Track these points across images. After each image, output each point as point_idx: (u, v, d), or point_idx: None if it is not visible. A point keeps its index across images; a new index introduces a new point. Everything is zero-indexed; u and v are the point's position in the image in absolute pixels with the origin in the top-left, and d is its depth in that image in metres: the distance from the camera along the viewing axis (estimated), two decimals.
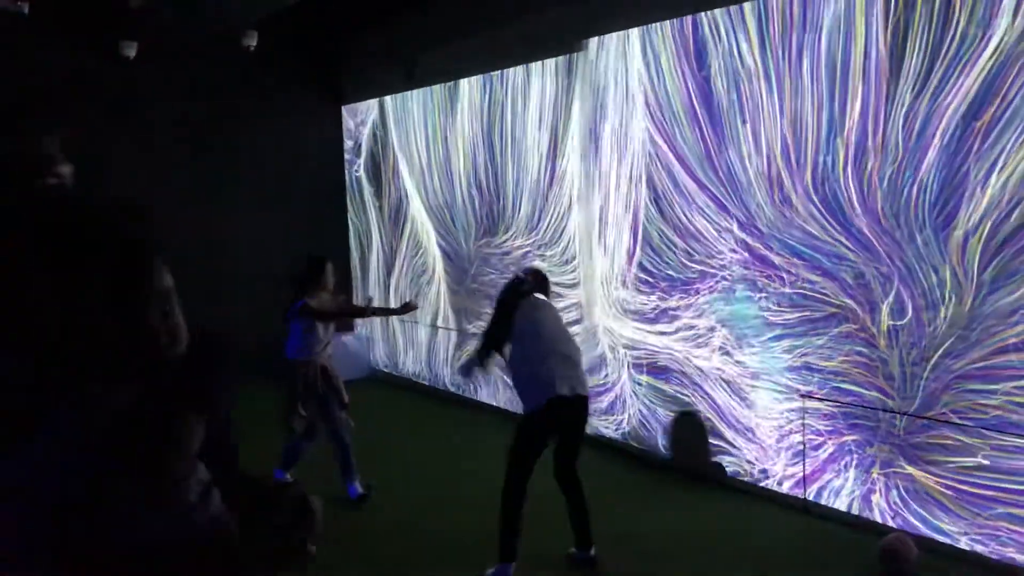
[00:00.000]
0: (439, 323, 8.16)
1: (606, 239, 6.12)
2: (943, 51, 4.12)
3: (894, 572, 4.11)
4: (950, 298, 4.21)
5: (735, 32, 5.05)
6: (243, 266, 8.48)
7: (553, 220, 6.67)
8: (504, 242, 7.19)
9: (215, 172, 8.75)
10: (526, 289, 4.59)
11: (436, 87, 7.87)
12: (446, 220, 7.93)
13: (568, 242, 6.55)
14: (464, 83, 7.52)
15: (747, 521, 4.99)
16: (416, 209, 8.35)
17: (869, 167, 4.45)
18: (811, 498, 4.95)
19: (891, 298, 4.44)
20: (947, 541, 4.34)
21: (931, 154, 4.20)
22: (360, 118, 9.17)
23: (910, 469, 4.46)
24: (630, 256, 5.92)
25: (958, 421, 4.23)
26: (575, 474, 4.48)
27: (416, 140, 8.25)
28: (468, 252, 7.65)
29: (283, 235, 8.80)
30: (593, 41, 6.10)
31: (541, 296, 4.62)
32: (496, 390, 7.42)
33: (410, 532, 5.00)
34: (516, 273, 4.89)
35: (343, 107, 9.43)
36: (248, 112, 8.90)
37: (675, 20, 5.43)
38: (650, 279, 5.78)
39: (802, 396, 4.92)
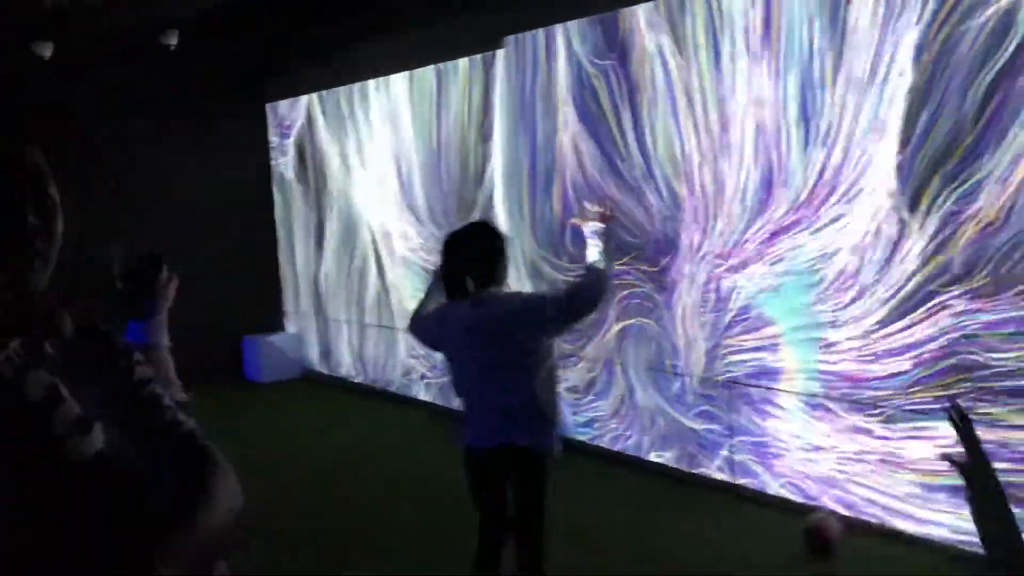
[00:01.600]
0: (374, 321, 8.14)
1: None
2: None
3: (821, 550, 4.28)
4: None
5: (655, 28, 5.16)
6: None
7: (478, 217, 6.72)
8: (432, 240, 7.21)
9: (136, 173, 8.57)
10: (452, 283, 3.25)
11: (366, 83, 7.84)
12: (379, 218, 7.91)
13: None
14: (391, 79, 7.51)
15: None
16: (347, 208, 8.31)
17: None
18: None
19: None
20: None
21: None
22: (287, 117, 9.08)
23: None
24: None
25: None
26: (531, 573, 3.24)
27: (345, 138, 8.21)
28: (401, 251, 7.65)
29: (207, 237, 8.67)
30: (513, 39, 6.16)
31: (491, 289, 3.20)
32: (431, 387, 7.45)
33: (341, 526, 5.03)
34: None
35: (267, 105, 9.31)
36: (170, 112, 8.74)
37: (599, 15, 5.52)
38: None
39: None
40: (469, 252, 3.23)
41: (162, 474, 1.29)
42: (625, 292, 5.53)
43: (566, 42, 5.75)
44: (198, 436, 1.35)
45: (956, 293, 4.04)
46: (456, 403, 3.54)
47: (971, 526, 1.52)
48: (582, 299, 3.15)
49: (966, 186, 3.96)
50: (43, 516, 1.19)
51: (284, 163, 9.21)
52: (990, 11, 3.81)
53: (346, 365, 8.60)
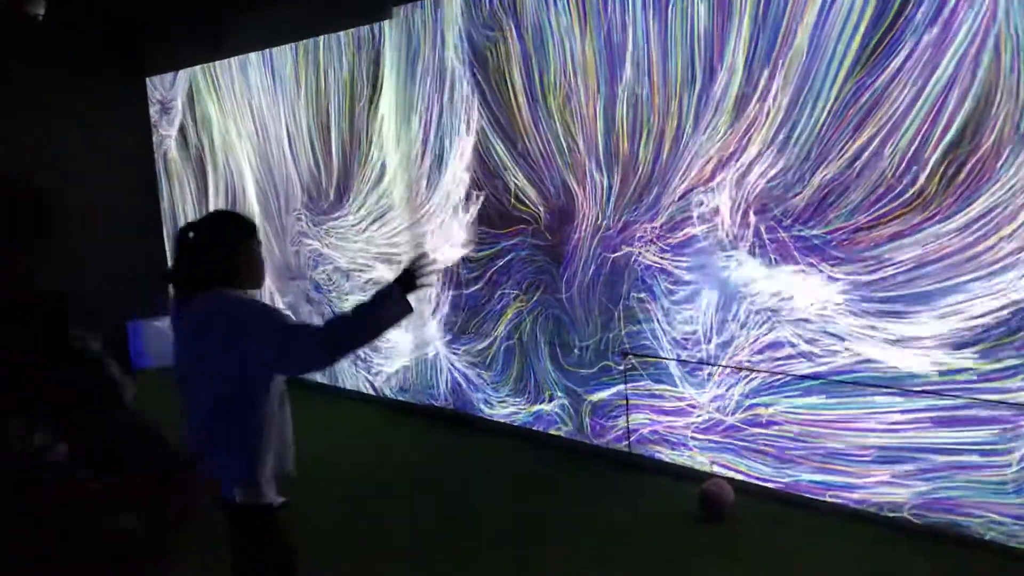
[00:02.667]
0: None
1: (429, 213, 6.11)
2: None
3: (716, 515, 4.39)
4: None
5: None
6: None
7: (367, 195, 6.60)
8: (325, 219, 7.03)
9: (5, 154, 8.10)
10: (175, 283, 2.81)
11: (251, 55, 7.56)
12: (269, 195, 7.68)
13: (383, 217, 6.50)
14: (277, 51, 7.26)
15: None
16: (234, 184, 8.04)
17: None
18: None
19: None
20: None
21: None
22: (167, 90, 8.70)
23: None
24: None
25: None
26: None
27: (230, 113, 7.92)
28: (291, 228, 7.45)
29: (86, 220, 8.27)
30: (402, 8, 6.02)
31: (209, 293, 2.69)
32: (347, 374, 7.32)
33: None
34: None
35: (148, 79, 8.91)
36: (40, 87, 8.27)
37: None
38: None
39: None
40: (196, 245, 2.73)
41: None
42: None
43: (457, 12, 5.65)
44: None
45: None
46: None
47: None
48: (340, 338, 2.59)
49: None
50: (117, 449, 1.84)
51: (168, 140, 8.84)
52: None
53: None
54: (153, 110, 8.93)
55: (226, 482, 2.66)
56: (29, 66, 8.19)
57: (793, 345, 4.36)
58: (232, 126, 7.90)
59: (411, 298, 2.67)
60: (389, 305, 2.63)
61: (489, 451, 5.62)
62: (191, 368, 2.73)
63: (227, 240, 2.71)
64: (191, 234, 2.73)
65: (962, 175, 3.74)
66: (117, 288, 8.36)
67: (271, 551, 2.72)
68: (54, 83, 8.35)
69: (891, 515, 4.14)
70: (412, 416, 6.47)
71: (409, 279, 2.68)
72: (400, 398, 6.68)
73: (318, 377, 7.27)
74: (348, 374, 7.14)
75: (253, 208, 7.81)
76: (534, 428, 5.68)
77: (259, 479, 2.66)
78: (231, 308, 2.63)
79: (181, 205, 8.79)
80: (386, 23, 6.18)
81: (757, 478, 4.62)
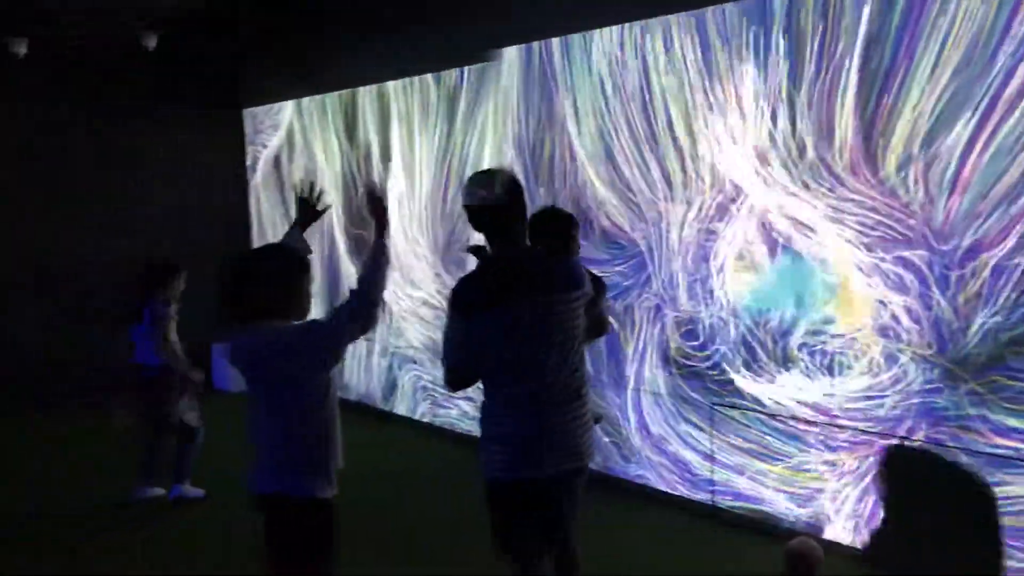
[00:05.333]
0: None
1: None
2: None
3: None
4: None
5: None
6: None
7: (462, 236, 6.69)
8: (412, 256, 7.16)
9: (111, 175, 8.46)
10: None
11: (344, 92, 7.78)
12: (357, 228, 7.85)
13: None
14: (373, 89, 7.46)
15: None
16: (324, 218, 8.21)
17: None
18: None
19: None
20: None
21: None
22: (264, 123, 8.99)
23: None
24: None
25: None
26: None
27: (322, 146, 8.13)
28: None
29: (179, 242, 8.56)
30: (506, 51, 6.14)
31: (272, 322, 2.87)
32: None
33: None
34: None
35: (245, 111, 9.22)
36: (147, 114, 8.65)
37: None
38: None
39: None
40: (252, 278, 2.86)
41: None
42: None
43: (562, 53, 5.75)
44: None
45: None
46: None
47: None
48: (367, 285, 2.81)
49: None
50: None
51: (261, 169, 9.11)
52: None
53: None
54: (247, 139, 9.24)
55: (289, 481, 2.80)
56: (138, 93, 8.57)
57: None
58: (325, 159, 8.11)
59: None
60: (375, 255, 2.84)
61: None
62: (257, 391, 2.85)
63: (283, 275, 2.85)
64: (245, 265, 2.87)
65: None
66: (203, 309, 8.60)
67: (322, 543, 2.86)
68: (159, 110, 8.72)
69: None
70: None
71: (381, 223, 2.92)
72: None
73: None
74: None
75: (345, 241, 7.98)
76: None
77: (327, 475, 2.84)
78: (281, 337, 2.76)
79: (272, 230, 9.02)
80: (493, 63, 6.28)
81: None
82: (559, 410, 2.99)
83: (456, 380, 3.04)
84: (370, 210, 2.93)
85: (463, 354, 2.97)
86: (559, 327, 2.98)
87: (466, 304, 2.95)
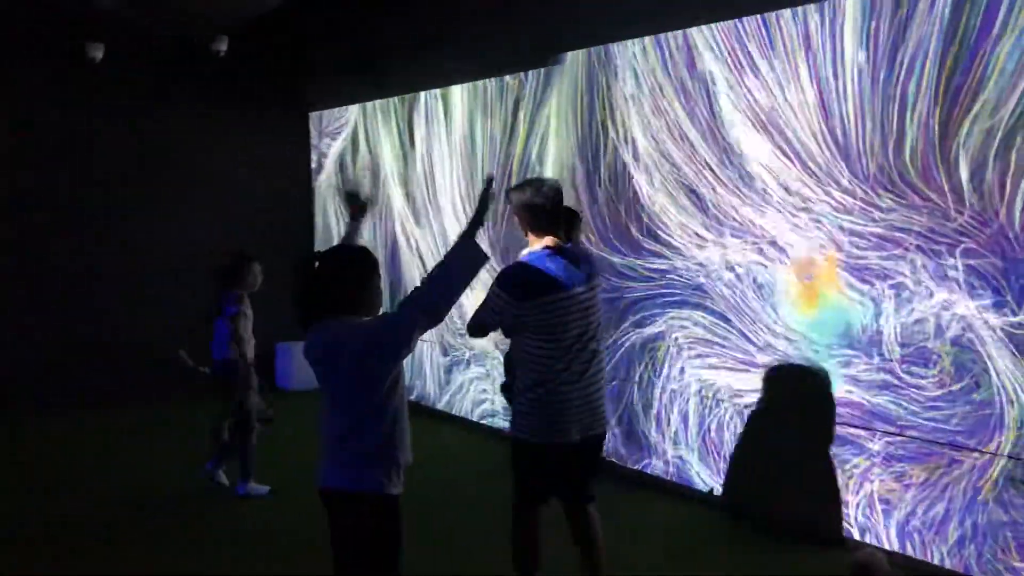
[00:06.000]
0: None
1: None
2: None
3: None
4: None
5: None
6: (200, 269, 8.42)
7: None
8: None
9: (179, 175, 8.67)
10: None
11: (407, 96, 7.87)
12: (417, 231, 7.92)
13: None
14: (438, 93, 7.53)
15: None
16: (384, 219, 8.33)
17: None
18: None
19: None
20: None
21: None
22: (328, 126, 9.13)
23: None
24: None
25: None
26: None
27: (385, 149, 8.23)
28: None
29: (245, 241, 8.71)
30: (571, 54, 6.15)
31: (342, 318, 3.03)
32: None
33: None
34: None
35: (311, 114, 9.38)
36: (216, 116, 8.84)
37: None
38: None
39: None
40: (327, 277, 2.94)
41: None
42: None
43: (624, 58, 5.74)
44: None
45: None
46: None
47: None
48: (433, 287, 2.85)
49: None
50: None
51: (325, 171, 9.26)
52: None
53: None
54: (313, 143, 9.40)
55: (359, 476, 2.84)
56: (209, 96, 8.77)
57: None
58: (386, 162, 8.20)
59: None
60: (460, 252, 2.87)
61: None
62: (328, 386, 2.91)
63: (359, 275, 2.94)
64: (320, 265, 2.93)
65: None
66: (267, 309, 8.75)
67: (390, 540, 2.91)
68: (228, 112, 8.91)
69: None
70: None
71: (479, 216, 2.98)
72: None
73: None
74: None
75: (407, 242, 8.06)
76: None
77: (397, 471, 2.89)
78: (355, 332, 2.83)
79: (335, 231, 9.14)
80: (556, 67, 6.30)
81: None
82: (584, 383, 3.57)
83: (479, 333, 3.71)
84: (478, 202, 3.04)
85: (493, 319, 3.60)
86: (585, 312, 3.57)
87: (512, 286, 3.50)
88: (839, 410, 4.65)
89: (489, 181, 3.04)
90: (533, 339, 3.53)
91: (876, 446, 4.50)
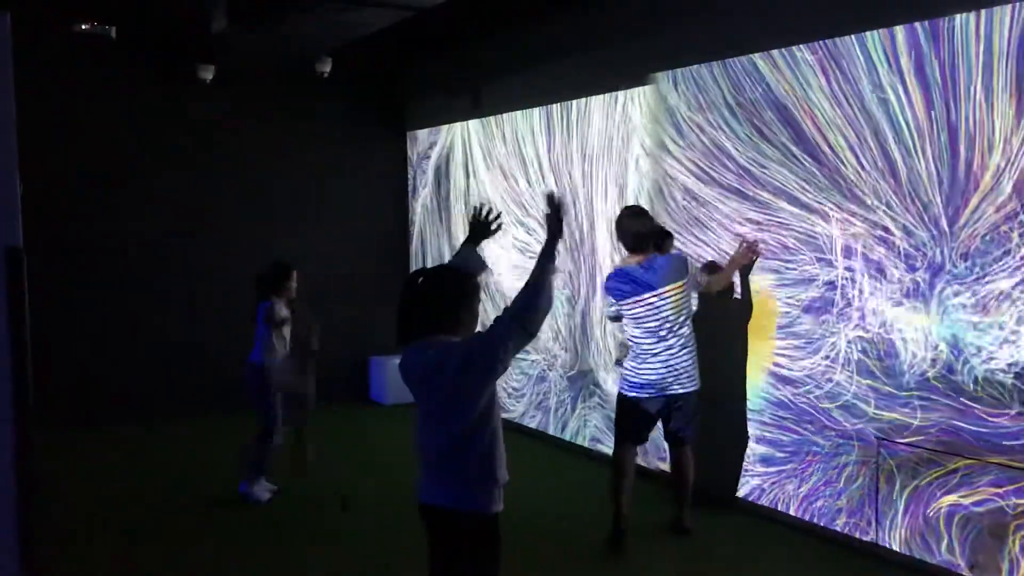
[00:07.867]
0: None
1: None
2: None
3: None
4: None
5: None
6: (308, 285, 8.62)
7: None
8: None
9: (282, 192, 8.91)
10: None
11: (505, 115, 7.94)
12: (509, 251, 7.97)
13: None
14: (534, 112, 7.57)
15: None
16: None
17: None
18: None
19: None
20: None
21: None
22: (425, 144, 9.28)
23: None
24: None
25: None
26: None
27: (482, 167, 8.31)
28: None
29: (342, 257, 8.98)
30: (662, 75, 6.11)
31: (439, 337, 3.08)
32: None
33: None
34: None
35: (408, 132, 9.55)
36: (319, 135, 9.09)
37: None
38: None
39: None
40: (431, 297, 3.00)
41: None
42: None
43: (712, 79, 5.69)
44: None
45: None
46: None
47: None
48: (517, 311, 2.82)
49: None
50: None
51: (422, 189, 9.40)
52: None
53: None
54: (411, 161, 9.56)
55: (460, 495, 2.86)
56: (310, 115, 9.03)
57: None
58: (483, 179, 8.28)
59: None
60: (542, 264, 2.86)
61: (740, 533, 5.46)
62: (426, 404, 2.93)
63: (462, 296, 2.98)
64: (424, 282, 2.96)
65: None
66: (362, 323, 8.91)
67: (490, 558, 2.91)
68: (330, 131, 9.15)
69: None
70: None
71: (553, 230, 2.94)
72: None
73: None
74: None
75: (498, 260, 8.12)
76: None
77: (497, 489, 2.89)
78: (451, 351, 2.84)
79: (434, 248, 9.26)
80: (647, 88, 6.28)
81: None
82: (673, 356, 4.89)
83: (614, 320, 5.33)
84: (545, 218, 2.99)
85: (610, 311, 5.24)
86: (672, 306, 4.84)
87: (611, 288, 5.01)
88: None
89: (551, 199, 2.98)
90: (628, 326, 4.96)
91: None
